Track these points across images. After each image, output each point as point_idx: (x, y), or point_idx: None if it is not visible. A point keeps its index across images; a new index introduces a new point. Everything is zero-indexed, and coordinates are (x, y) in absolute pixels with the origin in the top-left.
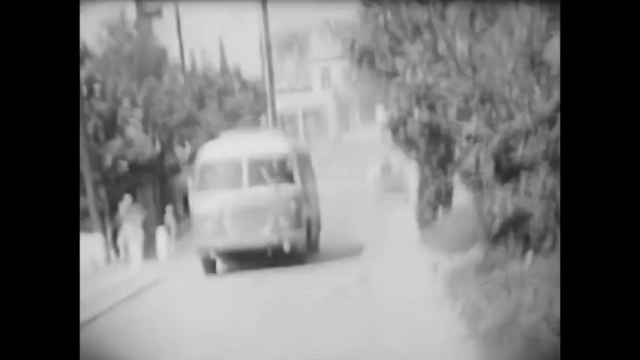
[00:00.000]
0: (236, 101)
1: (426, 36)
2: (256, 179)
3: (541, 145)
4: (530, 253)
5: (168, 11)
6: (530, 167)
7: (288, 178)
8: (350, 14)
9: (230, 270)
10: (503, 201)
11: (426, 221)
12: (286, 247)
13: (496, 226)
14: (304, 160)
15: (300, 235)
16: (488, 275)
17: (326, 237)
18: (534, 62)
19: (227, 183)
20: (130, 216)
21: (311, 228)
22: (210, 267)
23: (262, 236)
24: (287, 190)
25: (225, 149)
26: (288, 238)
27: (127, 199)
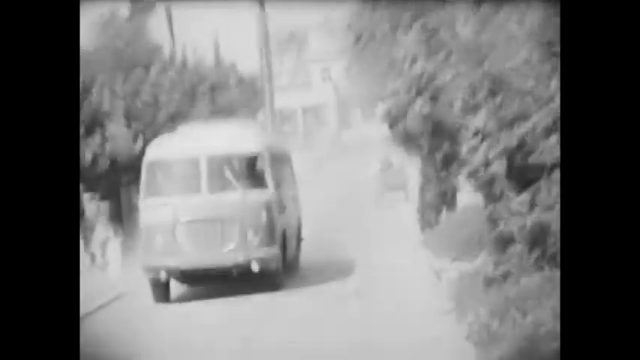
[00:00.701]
0: (230, 97)
1: (429, 20)
2: (218, 182)
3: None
4: (546, 267)
5: (162, 5)
6: (551, 172)
7: (259, 181)
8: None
9: (187, 297)
10: (520, 217)
11: (428, 224)
12: (255, 268)
13: (517, 248)
14: (281, 159)
15: (274, 252)
16: (499, 289)
17: (313, 250)
18: (551, 51)
19: (182, 187)
20: (101, 218)
21: (287, 243)
22: (161, 292)
23: (225, 254)
24: (257, 196)
25: (180, 144)
26: (257, 256)
27: (87, 198)
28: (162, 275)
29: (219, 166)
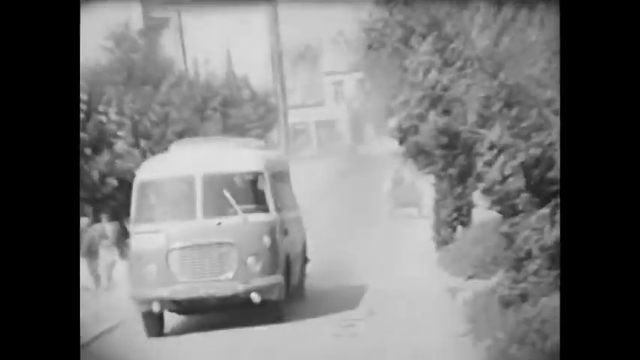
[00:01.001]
0: (243, 113)
1: (444, 29)
2: (215, 204)
3: None
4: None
5: (175, 21)
6: None
7: (260, 202)
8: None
9: (184, 329)
10: (539, 233)
11: (443, 241)
12: (256, 299)
13: (535, 265)
14: (282, 179)
15: (276, 280)
16: (517, 311)
17: (320, 273)
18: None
19: (175, 209)
20: (104, 242)
21: (291, 269)
22: (154, 325)
23: (224, 284)
24: (258, 218)
25: (174, 163)
26: (259, 285)
27: (84, 222)
28: (155, 307)
29: (215, 186)
